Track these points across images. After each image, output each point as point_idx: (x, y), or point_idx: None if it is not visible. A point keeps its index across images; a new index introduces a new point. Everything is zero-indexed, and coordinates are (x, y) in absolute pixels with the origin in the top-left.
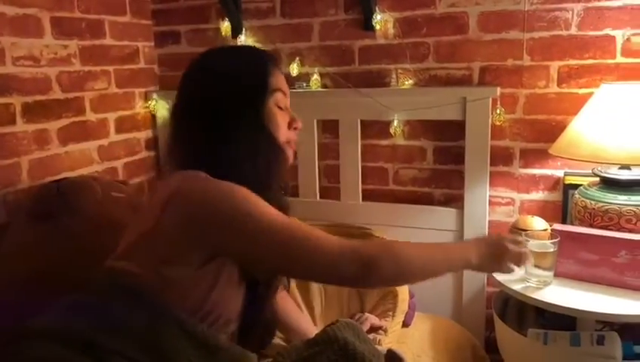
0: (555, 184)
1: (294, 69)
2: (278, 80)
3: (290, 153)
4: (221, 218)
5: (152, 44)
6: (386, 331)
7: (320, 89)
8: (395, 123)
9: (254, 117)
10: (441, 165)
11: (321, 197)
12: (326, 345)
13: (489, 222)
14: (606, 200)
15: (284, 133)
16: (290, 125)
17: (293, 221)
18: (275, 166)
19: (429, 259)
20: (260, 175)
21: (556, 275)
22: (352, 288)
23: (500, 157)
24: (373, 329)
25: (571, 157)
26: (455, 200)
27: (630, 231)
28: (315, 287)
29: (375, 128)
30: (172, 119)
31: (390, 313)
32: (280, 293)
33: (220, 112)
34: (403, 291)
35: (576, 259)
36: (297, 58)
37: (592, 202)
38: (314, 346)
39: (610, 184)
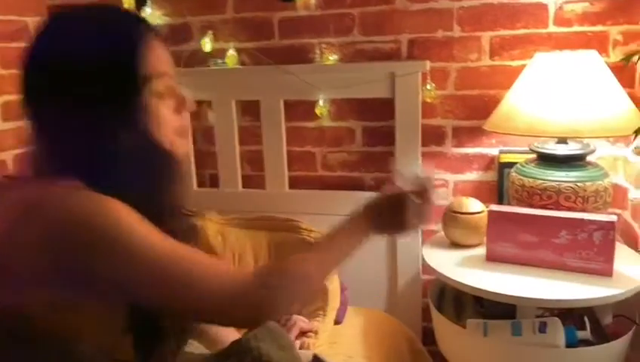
0: (489, 163)
1: (207, 45)
2: (157, 60)
3: (181, 150)
4: (84, 241)
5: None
6: (316, 333)
7: (237, 66)
8: (321, 102)
9: (122, 115)
10: (370, 147)
11: (244, 186)
12: (239, 356)
13: None
14: (544, 178)
15: (169, 129)
16: (177, 110)
17: (179, 250)
18: (161, 176)
19: (328, 263)
20: (142, 188)
21: (494, 260)
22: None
23: (432, 136)
24: (303, 332)
25: (507, 132)
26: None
27: (569, 209)
28: None
29: (300, 109)
30: (24, 109)
31: (321, 312)
32: None
33: (75, 108)
34: (334, 286)
35: (515, 241)
36: (210, 32)
37: (530, 180)
38: (224, 358)
39: (547, 160)
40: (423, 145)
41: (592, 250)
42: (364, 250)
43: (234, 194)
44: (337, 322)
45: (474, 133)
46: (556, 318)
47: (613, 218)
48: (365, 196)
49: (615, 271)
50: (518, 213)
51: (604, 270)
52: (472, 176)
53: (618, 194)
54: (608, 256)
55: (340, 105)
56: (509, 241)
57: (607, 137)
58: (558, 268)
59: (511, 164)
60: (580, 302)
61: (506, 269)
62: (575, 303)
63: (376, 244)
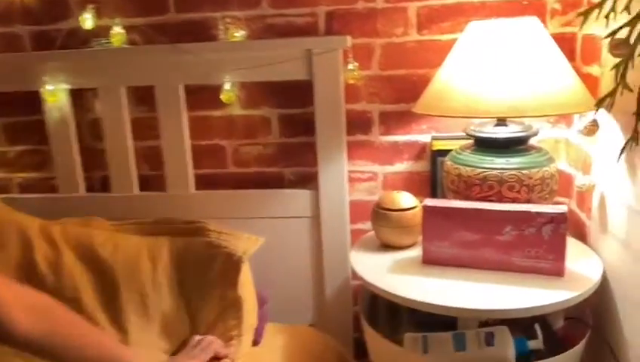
0: (421, 152)
1: (88, 21)
2: None
3: None
4: None
5: None
6: (233, 361)
7: (126, 46)
8: (227, 86)
9: None
10: (289, 138)
11: (141, 188)
12: None
13: (350, 203)
14: (483, 165)
15: None
16: None
17: None
18: None
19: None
20: None
21: (430, 262)
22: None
23: (357, 123)
24: (217, 359)
25: (439, 114)
26: (309, 180)
27: (514, 200)
28: (129, 301)
29: (204, 95)
30: None
31: (235, 332)
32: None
33: None
34: (249, 300)
35: (454, 240)
36: (91, 7)
37: (467, 168)
38: None
39: (486, 145)
40: (349, 133)
41: (540, 247)
42: (286, 255)
43: (129, 199)
44: (255, 342)
45: (403, 119)
46: (504, 327)
47: (564, 208)
48: (286, 194)
49: (567, 270)
50: (455, 208)
51: (555, 269)
52: (403, 166)
53: (561, 182)
54: (559, 254)
55: (250, 90)
56: (447, 240)
57: (554, 115)
58: (503, 268)
59: (445, 152)
60: (531, 310)
61: (444, 273)
62: (525, 312)
63: (298, 246)
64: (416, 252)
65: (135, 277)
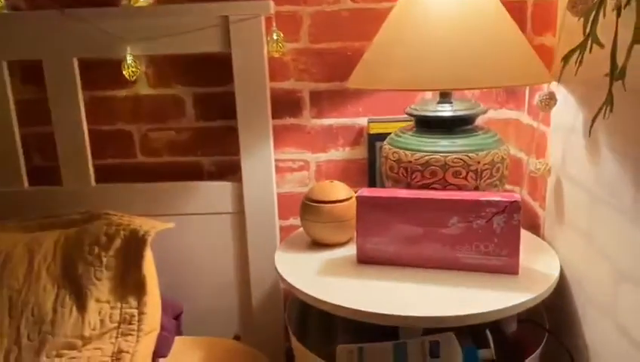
0: (358, 137)
1: None
2: None
3: None
4: None
5: None
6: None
7: (6, 12)
8: (129, 60)
9: None
10: (207, 121)
11: (32, 183)
12: None
13: (278, 196)
14: (425, 148)
15: None
16: None
17: None
18: None
19: None
20: None
21: (366, 261)
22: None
23: (285, 104)
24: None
25: (376, 87)
26: (231, 171)
27: (460, 188)
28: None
29: (105, 71)
30: None
31: (134, 326)
32: None
33: None
34: (151, 298)
35: (392, 235)
36: None
37: (408, 153)
38: None
39: (428, 126)
40: (275, 116)
41: (491, 241)
42: (205, 257)
43: (17, 195)
44: (161, 355)
45: (337, 99)
46: (450, 334)
47: (517, 196)
48: (204, 187)
49: (521, 268)
50: (393, 198)
51: (508, 267)
52: (338, 154)
53: (511, 168)
54: (513, 248)
55: (160, 65)
56: (385, 236)
57: (506, 87)
58: (450, 267)
59: (383, 136)
60: (484, 316)
61: (382, 274)
62: (477, 318)
63: (219, 247)
64: (351, 250)
65: (7, 272)
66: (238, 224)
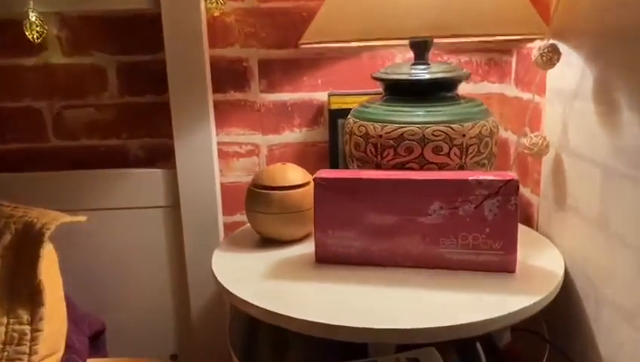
0: (316, 115)
1: None
2: None
3: None
4: None
5: None
6: None
7: None
8: (32, 17)
9: None
10: (134, 97)
11: None
12: None
13: (222, 187)
14: (399, 120)
15: None
16: None
17: None
18: None
19: None
20: None
21: (327, 261)
22: None
23: (229, 76)
24: None
25: (335, 39)
26: (164, 156)
27: (441, 167)
28: None
29: (6, 35)
30: None
31: (24, 345)
32: None
33: None
34: (53, 311)
35: (360, 228)
36: None
37: (377, 125)
38: None
39: (401, 93)
40: (217, 90)
41: (482, 231)
42: (133, 261)
43: None
44: None
45: (291, 70)
46: (431, 349)
47: (513, 175)
48: (130, 176)
49: (518, 264)
50: (360, 179)
51: (503, 263)
52: (294, 136)
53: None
54: (509, 240)
55: (75, 27)
56: (351, 228)
57: (496, 36)
58: (431, 265)
59: (347, 112)
60: (475, 327)
61: (347, 277)
62: (466, 330)
63: (150, 249)
64: (309, 248)
65: None
66: (173, 220)
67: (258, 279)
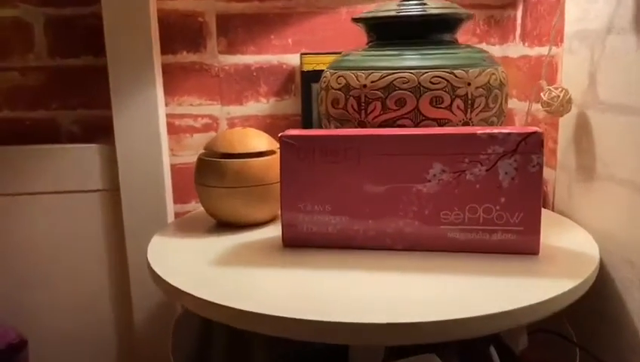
0: (287, 81)
1: None
2: None
3: None
4: None
5: None
6: None
7: None
8: None
9: None
10: (66, 58)
11: None
12: None
13: (173, 168)
14: (387, 65)
15: None
16: None
17: None
18: None
19: None
20: None
21: (296, 244)
22: None
23: (181, 33)
24: None
25: None
26: (102, 131)
27: (442, 123)
28: None
29: None
30: None
31: None
32: None
33: None
34: None
35: (339, 201)
36: None
37: (360, 74)
38: None
39: (389, 36)
40: (166, 51)
41: (496, 201)
42: (64, 256)
43: None
44: None
45: (256, 27)
46: (430, 356)
47: (536, 128)
48: (62, 153)
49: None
50: (339, 137)
51: (524, 242)
52: (260, 107)
53: None
54: (531, 212)
55: None
56: (327, 201)
57: None
58: (429, 247)
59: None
60: (484, 323)
61: (323, 263)
62: (472, 327)
63: (85, 241)
64: (274, 231)
65: None
66: (111, 207)
67: (203, 266)
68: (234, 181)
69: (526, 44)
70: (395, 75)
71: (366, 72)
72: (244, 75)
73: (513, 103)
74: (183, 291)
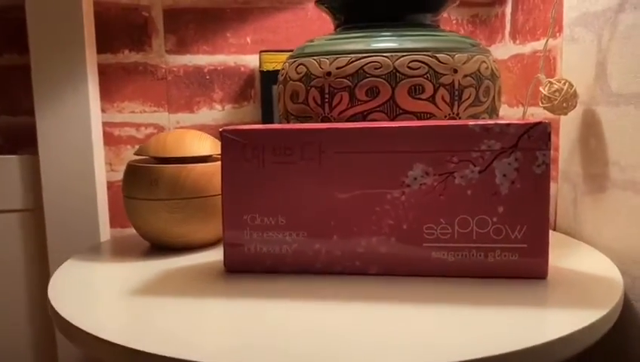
0: (245, 86)
1: None
2: None
3: None
4: None
5: None
6: None
7: None
8: None
9: None
10: None
11: None
12: None
13: (109, 185)
14: (356, 48)
15: None
16: None
17: None
18: None
19: None
20: None
21: (240, 270)
22: None
23: (122, 30)
24: None
25: None
26: (27, 141)
27: (422, 116)
28: None
29: None
30: None
31: None
32: None
33: None
34: None
35: (296, 214)
36: None
37: (323, 60)
38: None
39: (359, 18)
40: (104, 50)
41: (492, 211)
42: None
43: None
44: None
45: (209, 23)
46: None
47: (541, 119)
48: None
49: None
50: (294, 131)
51: (528, 264)
52: (214, 115)
53: None
54: (536, 224)
55: None
56: (281, 214)
57: None
58: (409, 271)
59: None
60: None
61: (272, 292)
62: None
63: (3, 266)
64: (218, 254)
65: None
66: (33, 229)
67: (120, 300)
68: (168, 192)
69: (517, 41)
70: (366, 60)
71: (330, 57)
72: (196, 77)
73: (503, 110)
74: (81, 329)
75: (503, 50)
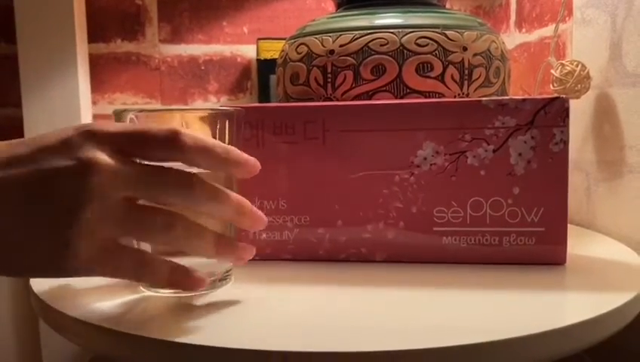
0: (241, 77)
1: None
2: None
3: None
4: None
5: None
6: None
7: None
8: None
9: None
10: None
11: None
12: None
13: None
14: (360, 24)
15: None
16: None
17: None
18: None
19: None
20: None
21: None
22: None
23: (114, 19)
24: None
25: None
26: (14, 134)
27: (431, 96)
28: None
29: None
30: None
31: None
32: None
33: None
34: None
35: (297, 198)
36: None
37: (326, 38)
38: None
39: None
40: (95, 39)
41: (507, 192)
42: None
43: None
44: None
45: (204, 11)
46: None
47: (558, 94)
48: None
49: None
50: (296, 108)
51: (545, 249)
52: (209, 107)
53: None
54: (554, 206)
55: None
56: (281, 199)
57: None
58: (418, 258)
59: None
60: (497, 346)
61: (274, 279)
62: (480, 354)
63: None
64: None
65: None
66: None
67: (114, 293)
68: None
69: (523, 30)
70: (371, 36)
71: (334, 34)
72: (190, 68)
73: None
74: (88, 323)
75: (508, 40)
